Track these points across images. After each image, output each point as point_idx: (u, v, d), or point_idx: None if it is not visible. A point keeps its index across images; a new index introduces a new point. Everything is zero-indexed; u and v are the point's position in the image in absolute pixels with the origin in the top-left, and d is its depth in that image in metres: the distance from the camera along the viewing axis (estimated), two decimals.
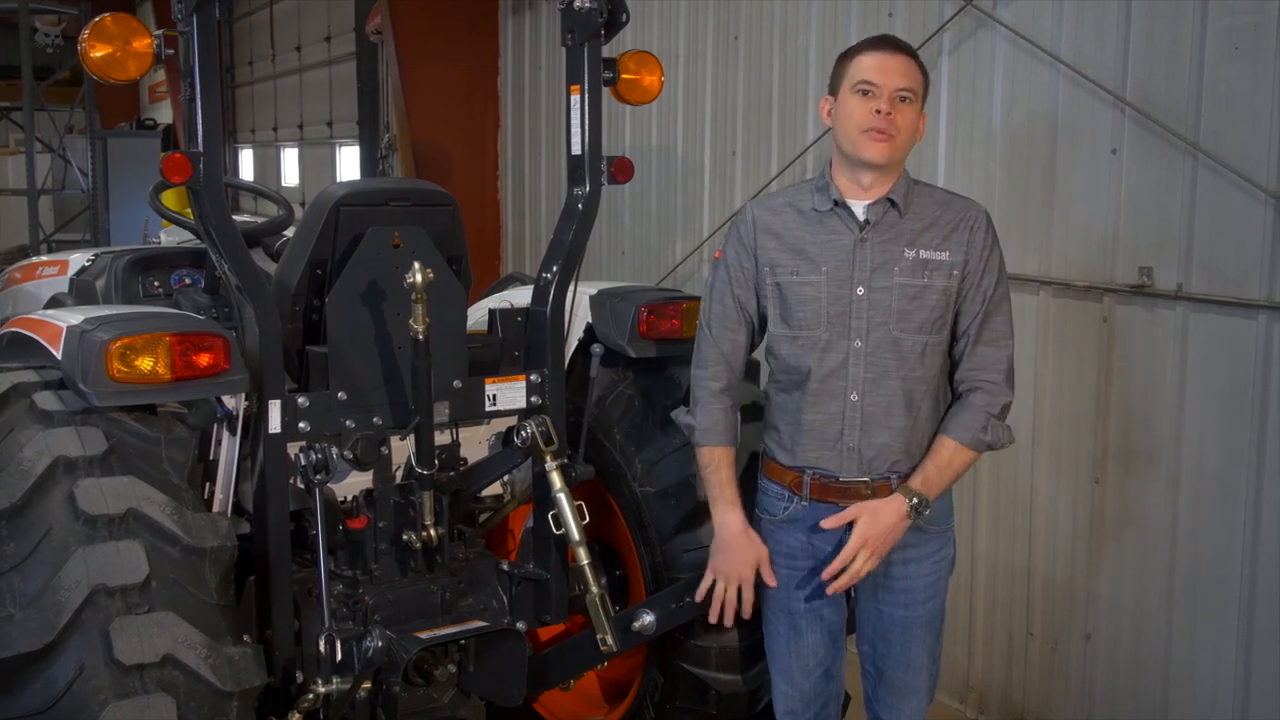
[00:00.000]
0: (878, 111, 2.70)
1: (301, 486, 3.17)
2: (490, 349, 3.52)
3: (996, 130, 4.29)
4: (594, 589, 3.26)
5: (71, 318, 3.06)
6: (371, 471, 3.32)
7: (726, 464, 2.93)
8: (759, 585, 3.03)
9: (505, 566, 3.56)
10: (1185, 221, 3.67)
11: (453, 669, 3.26)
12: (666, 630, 3.29)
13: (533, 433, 3.34)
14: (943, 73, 4.46)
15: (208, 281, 4.03)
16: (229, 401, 3.08)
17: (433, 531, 3.29)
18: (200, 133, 2.92)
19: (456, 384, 3.37)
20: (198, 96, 2.90)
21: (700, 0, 5.86)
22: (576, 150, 3.47)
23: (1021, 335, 4.02)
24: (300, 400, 3.16)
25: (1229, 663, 3.62)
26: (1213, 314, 3.62)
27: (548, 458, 3.33)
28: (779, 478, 2.92)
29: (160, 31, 2.89)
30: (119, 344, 2.88)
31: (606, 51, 3.43)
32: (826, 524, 2.79)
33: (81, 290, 4.14)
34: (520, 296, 3.68)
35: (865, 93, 2.72)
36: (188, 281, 4.16)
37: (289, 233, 4.10)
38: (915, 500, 2.76)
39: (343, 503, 3.33)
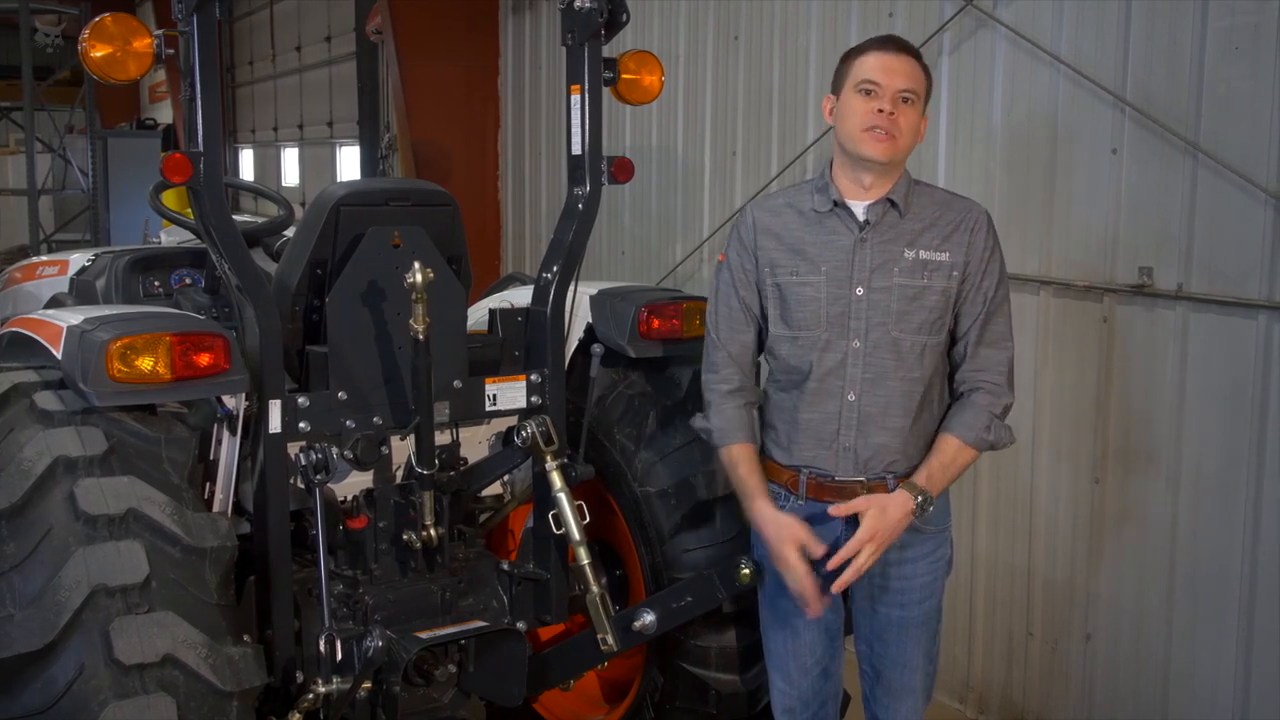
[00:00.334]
0: (880, 111, 2.70)
1: (301, 486, 3.17)
2: (490, 349, 3.52)
3: (996, 130, 4.29)
4: (594, 589, 3.27)
5: (71, 318, 3.06)
6: (371, 471, 3.32)
7: (745, 459, 2.89)
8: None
9: (505, 566, 3.56)
10: (1185, 221, 3.67)
11: (453, 669, 3.26)
12: (666, 630, 3.29)
13: (533, 433, 3.34)
14: (943, 73, 4.46)
15: (208, 281, 4.03)
16: (229, 401, 3.08)
17: (433, 531, 3.29)
18: (200, 133, 2.92)
19: (457, 384, 3.37)
20: (198, 96, 2.90)
21: (700, 0, 5.86)
22: (576, 150, 3.47)
23: (1021, 335, 4.02)
24: (300, 400, 3.16)
25: (1229, 663, 3.62)
26: (1213, 314, 3.62)
27: (548, 458, 3.33)
28: (775, 477, 2.92)
29: (160, 31, 2.89)
30: (119, 344, 2.88)
31: (607, 51, 3.43)
32: (835, 511, 2.75)
33: (81, 290, 4.14)
34: (520, 296, 3.68)
35: (868, 92, 2.72)
36: (188, 281, 4.16)
37: (289, 233, 4.10)
38: (920, 498, 2.75)
39: (343, 503, 3.33)
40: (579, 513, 3.32)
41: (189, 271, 4.18)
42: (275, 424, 3.09)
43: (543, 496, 3.42)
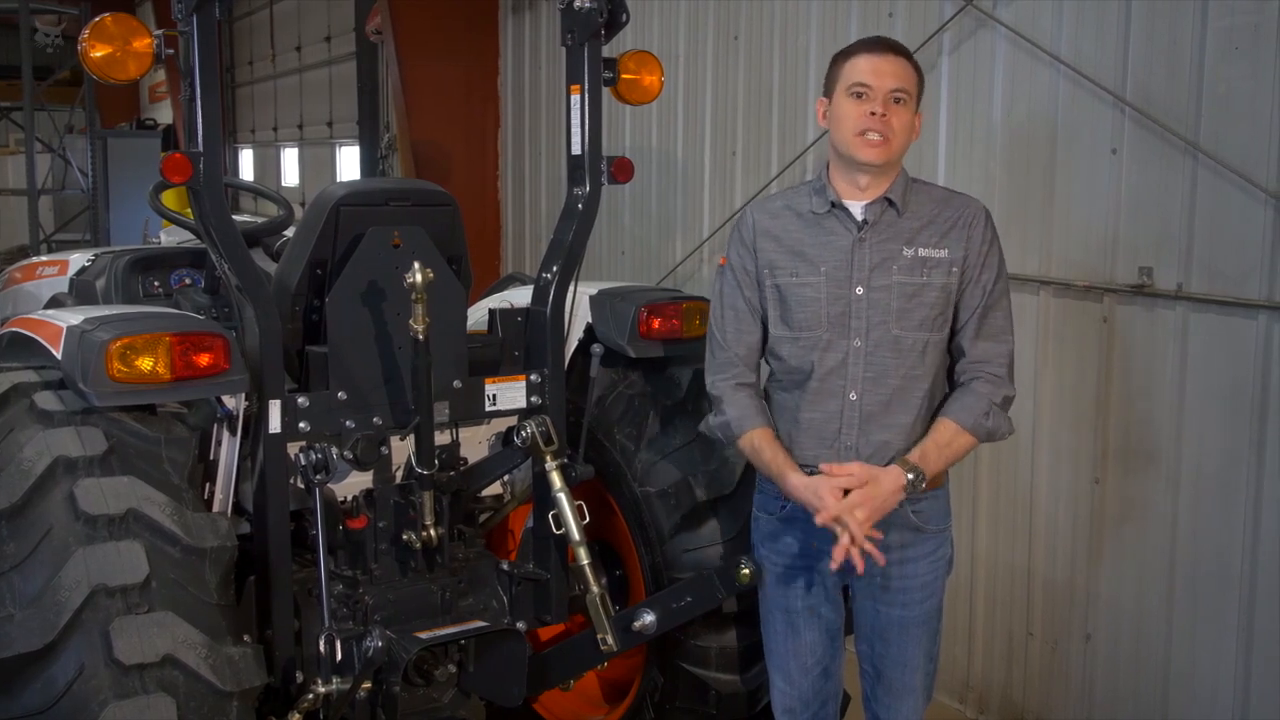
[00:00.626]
0: (872, 114, 2.71)
1: (301, 486, 3.17)
2: (490, 349, 3.52)
3: (996, 130, 4.29)
4: (594, 589, 3.27)
5: (71, 318, 3.06)
6: (371, 471, 3.32)
7: (768, 442, 2.85)
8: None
9: (505, 566, 3.56)
10: (1185, 221, 3.67)
11: (453, 669, 3.26)
12: (666, 630, 3.29)
13: (533, 433, 3.34)
14: (943, 73, 4.46)
15: (208, 281, 4.03)
16: (229, 401, 3.08)
17: (433, 531, 3.29)
18: (200, 133, 2.92)
19: (456, 384, 3.37)
20: (198, 96, 2.90)
21: (700, 0, 5.86)
22: (576, 150, 3.47)
23: (1021, 335, 4.01)
24: (300, 400, 3.16)
25: (1229, 663, 3.62)
26: (1213, 314, 3.62)
27: (548, 458, 3.33)
28: None
29: (160, 31, 2.89)
30: (119, 344, 2.88)
31: (606, 51, 3.44)
32: (825, 468, 2.74)
33: (81, 290, 4.14)
34: (520, 296, 3.68)
35: (859, 95, 2.73)
36: (188, 281, 4.16)
37: (289, 233, 4.10)
38: (912, 475, 2.73)
39: (343, 503, 3.33)
40: (579, 513, 3.32)
41: (189, 271, 4.18)
42: (275, 424, 3.09)
43: (542, 496, 3.42)
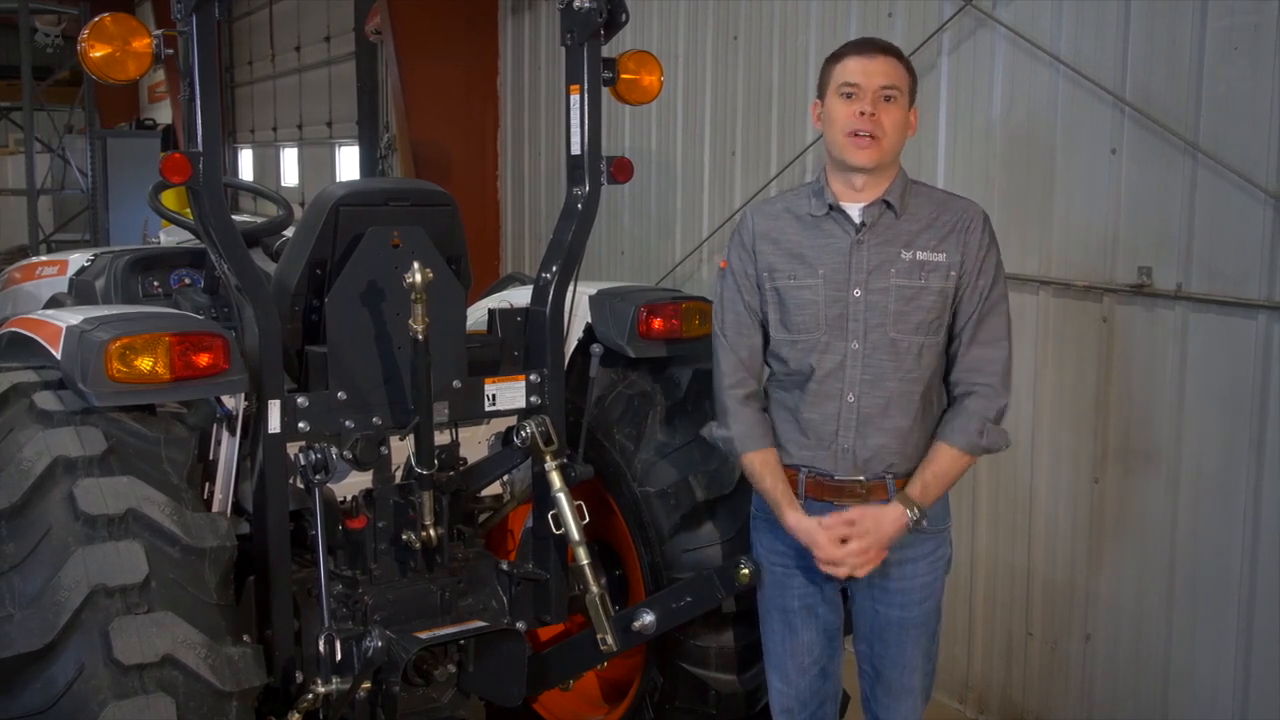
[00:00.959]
0: (861, 113, 2.71)
1: (301, 486, 3.17)
2: (490, 349, 3.52)
3: (996, 130, 4.29)
4: (594, 589, 3.26)
5: (71, 318, 3.06)
6: (371, 471, 3.32)
7: (770, 469, 2.88)
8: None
9: (505, 566, 3.56)
10: (1185, 221, 3.67)
11: (452, 669, 3.26)
12: (666, 630, 3.29)
13: (532, 433, 3.34)
14: (943, 73, 4.46)
15: (208, 281, 4.03)
16: (229, 401, 3.08)
17: (432, 531, 3.29)
18: (200, 133, 2.92)
19: (456, 384, 3.37)
20: (197, 96, 2.89)
21: (700, 0, 5.86)
22: (576, 150, 3.47)
23: (1021, 335, 4.02)
24: (300, 400, 3.16)
25: (1229, 663, 3.62)
26: (1212, 314, 3.62)
27: (547, 458, 3.33)
28: None
29: (160, 31, 2.89)
30: (119, 344, 2.88)
31: (606, 51, 3.43)
32: (828, 524, 2.78)
33: (81, 290, 4.14)
34: (520, 296, 3.68)
35: (849, 95, 2.74)
36: (187, 281, 4.16)
37: (289, 233, 4.10)
38: (915, 513, 2.77)
39: (342, 503, 3.33)
40: (579, 513, 3.32)
41: (188, 271, 4.18)
42: (275, 424, 3.09)
43: (542, 496, 3.42)
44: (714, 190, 5.87)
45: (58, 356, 2.97)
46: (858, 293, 2.77)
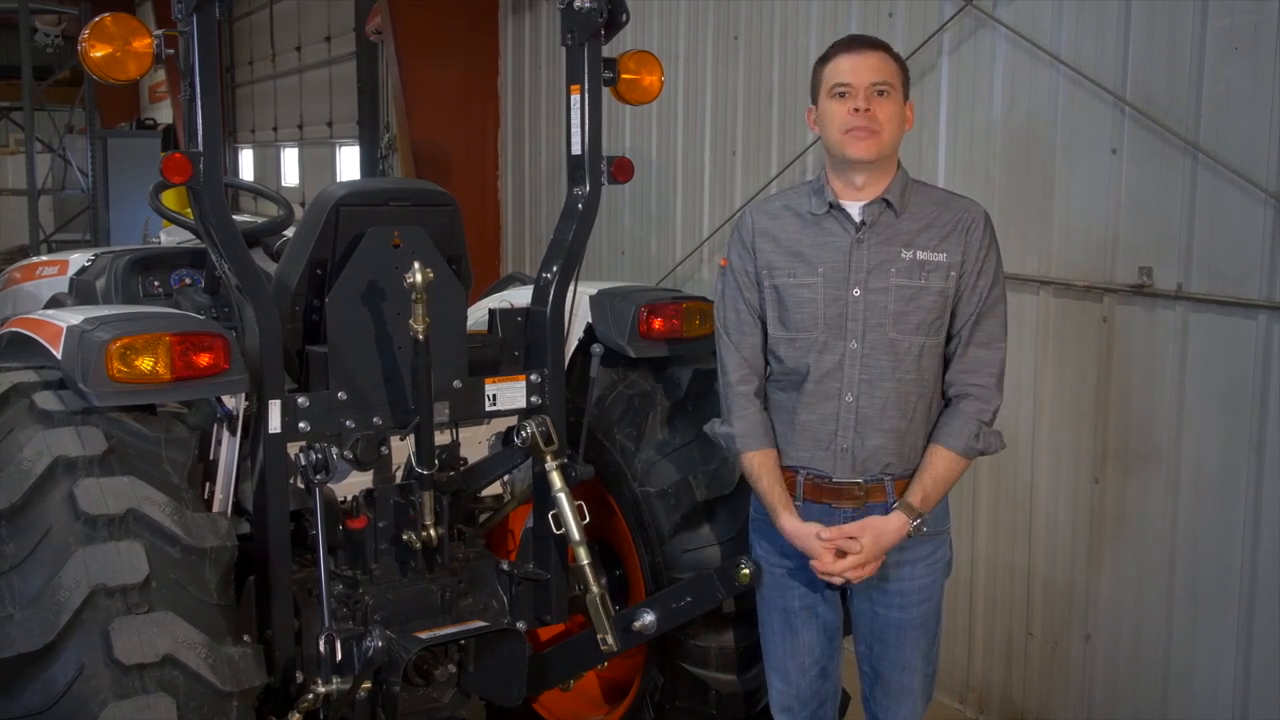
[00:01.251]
0: (856, 110, 2.71)
1: (301, 486, 3.17)
2: (490, 349, 3.52)
3: (996, 130, 4.29)
4: (594, 589, 3.26)
5: (71, 318, 3.06)
6: (371, 471, 3.32)
7: (768, 470, 2.89)
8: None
9: (505, 566, 3.56)
10: (1185, 221, 3.67)
11: (453, 669, 3.26)
12: (666, 630, 3.29)
13: (533, 433, 3.34)
14: (943, 73, 4.46)
15: (208, 281, 4.03)
16: (229, 401, 3.08)
17: (433, 531, 3.29)
18: (200, 133, 2.92)
19: (456, 384, 3.37)
20: (198, 96, 2.90)
21: (700, 0, 5.86)
22: (576, 150, 3.47)
23: (1021, 335, 4.02)
24: (300, 400, 3.16)
25: (1229, 663, 3.62)
26: (1213, 314, 3.62)
27: (548, 458, 3.33)
28: None
29: (160, 31, 2.89)
30: (119, 344, 2.88)
31: (606, 51, 3.43)
32: (825, 535, 2.79)
33: (81, 290, 4.14)
34: (520, 296, 3.68)
35: (841, 94, 2.74)
36: (188, 281, 4.16)
37: (289, 233, 4.10)
38: (917, 520, 2.78)
39: (343, 503, 3.33)
40: (579, 513, 3.31)
41: (189, 271, 4.18)
42: (275, 424, 3.09)
43: (542, 496, 3.42)
44: (714, 190, 5.87)
45: (58, 356, 2.97)
46: (857, 292, 2.77)
